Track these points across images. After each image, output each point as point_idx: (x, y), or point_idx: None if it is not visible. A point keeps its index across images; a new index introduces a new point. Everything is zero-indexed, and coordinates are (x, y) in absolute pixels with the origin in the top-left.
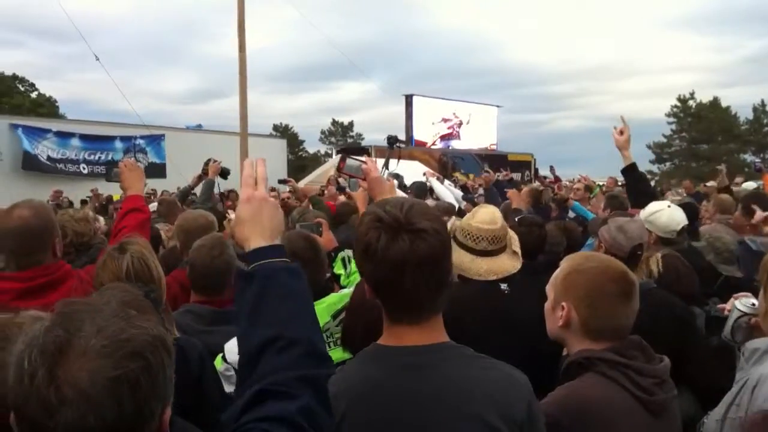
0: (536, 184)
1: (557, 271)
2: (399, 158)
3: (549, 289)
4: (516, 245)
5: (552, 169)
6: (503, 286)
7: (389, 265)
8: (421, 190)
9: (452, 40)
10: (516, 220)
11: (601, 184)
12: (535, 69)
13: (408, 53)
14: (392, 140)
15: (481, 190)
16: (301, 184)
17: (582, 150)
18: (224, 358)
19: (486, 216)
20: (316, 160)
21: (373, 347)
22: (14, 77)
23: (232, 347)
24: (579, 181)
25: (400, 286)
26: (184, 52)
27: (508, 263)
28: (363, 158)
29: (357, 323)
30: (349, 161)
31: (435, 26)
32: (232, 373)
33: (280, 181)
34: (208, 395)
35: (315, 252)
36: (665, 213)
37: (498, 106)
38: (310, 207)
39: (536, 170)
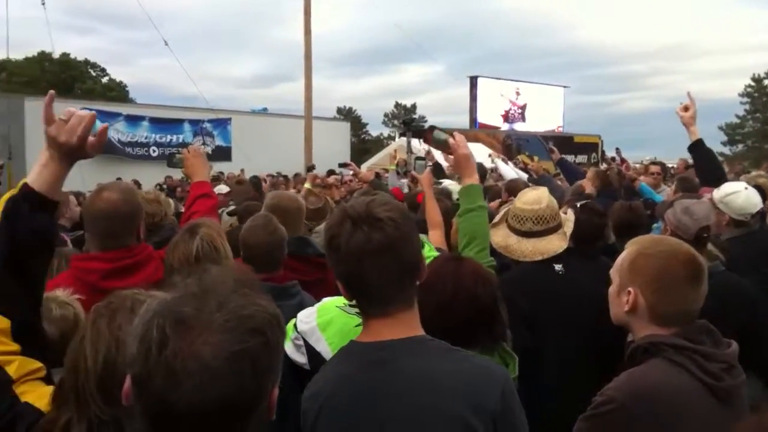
0: (603, 165)
1: (623, 255)
2: (424, 138)
3: (614, 274)
4: (569, 227)
5: (618, 151)
6: (557, 267)
7: (350, 257)
8: (481, 171)
9: (521, 20)
10: (578, 206)
11: (671, 165)
12: (606, 49)
13: (475, 35)
14: (408, 121)
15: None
16: (364, 167)
17: (652, 131)
18: (296, 327)
19: (531, 197)
20: (379, 143)
21: (348, 344)
22: (86, 62)
23: (303, 317)
24: (653, 164)
25: (362, 277)
26: (251, 36)
27: (556, 244)
28: (453, 132)
29: (430, 301)
30: (437, 133)
31: (504, 7)
32: (302, 342)
33: (341, 165)
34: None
35: None
36: (742, 195)
37: (565, 87)
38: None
39: (603, 152)
